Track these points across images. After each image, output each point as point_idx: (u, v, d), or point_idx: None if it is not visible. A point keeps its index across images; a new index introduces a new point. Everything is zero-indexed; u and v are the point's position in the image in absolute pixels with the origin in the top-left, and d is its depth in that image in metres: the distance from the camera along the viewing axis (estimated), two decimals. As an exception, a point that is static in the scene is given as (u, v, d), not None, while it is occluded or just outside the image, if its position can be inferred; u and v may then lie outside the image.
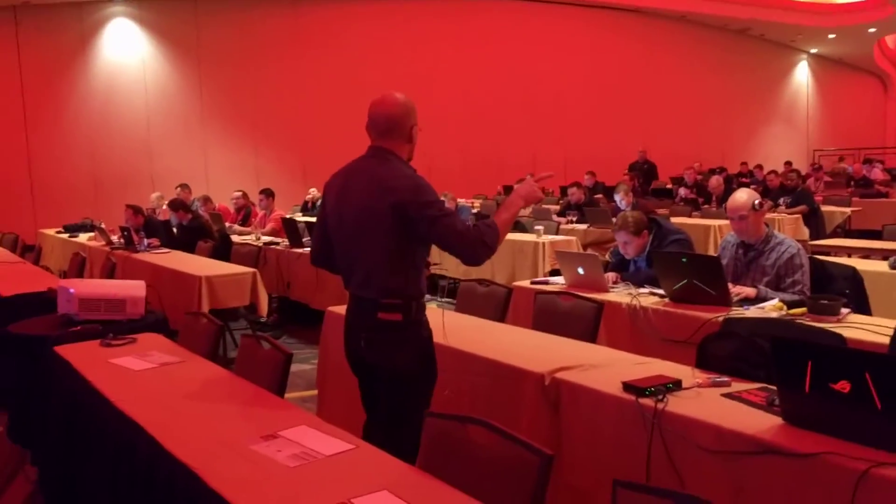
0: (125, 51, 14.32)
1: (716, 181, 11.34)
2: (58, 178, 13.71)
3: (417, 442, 2.34)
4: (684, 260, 4.12)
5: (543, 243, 7.43)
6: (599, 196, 11.77)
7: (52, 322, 4.14)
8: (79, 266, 7.19)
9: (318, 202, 12.01)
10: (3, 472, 4.14)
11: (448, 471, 2.07)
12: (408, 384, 2.81)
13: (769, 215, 9.38)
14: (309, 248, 6.91)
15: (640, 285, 4.51)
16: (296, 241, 7.48)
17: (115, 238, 8.27)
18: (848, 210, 10.79)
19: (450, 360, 3.38)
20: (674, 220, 8.70)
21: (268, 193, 9.38)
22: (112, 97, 14.22)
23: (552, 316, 4.02)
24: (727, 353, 2.89)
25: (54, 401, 3.47)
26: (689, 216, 10.00)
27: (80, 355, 3.41)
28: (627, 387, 2.66)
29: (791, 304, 3.79)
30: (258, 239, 8.30)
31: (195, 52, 14.79)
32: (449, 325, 3.85)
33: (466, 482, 1.98)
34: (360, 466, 2.16)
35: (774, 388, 2.45)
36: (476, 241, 2.71)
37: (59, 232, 10.18)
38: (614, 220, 5.25)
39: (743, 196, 4.22)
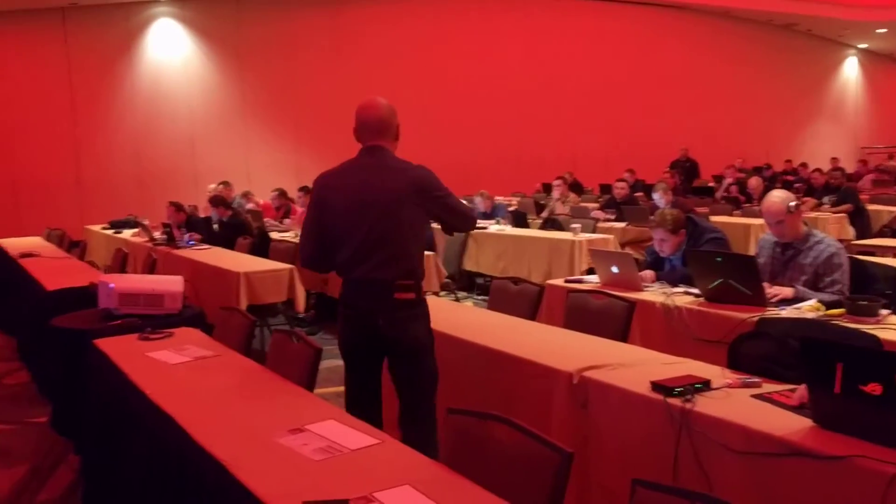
0: (169, 50, 14.57)
1: (755, 182, 11.17)
2: (104, 175, 14.00)
3: (434, 407, 3.03)
4: (719, 259, 4.07)
5: (580, 241, 7.38)
6: (639, 194, 11.65)
7: (93, 316, 4.23)
8: (121, 261, 7.34)
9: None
10: (46, 461, 4.26)
11: (469, 466, 2.08)
12: (423, 353, 3.18)
13: (812, 214, 9.22)
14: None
15: (675, 284, 4.46)
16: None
17: (157, 234, 8.42)
18: (896, 209, 10.54)
19: (479, 358, 3.40)
20: (714, 218, 8.60)
21: (306, 191, 9.47)
22: (156, 96, 14.48)
23: (583, 314, 4.01)
24: (759, 353, 2.86)
25: (94, 393, 3.56)
26: (730, 215, 9.86)
27: (119, 349, 3.50)
28: (656, 386, 2.65)
29: (829, 305, 3.73)
30: (296, 235, 8.38)
31: (237, 50, 14.98)
32: (480, 323, 3.87)
33: (487, 478, 1.99)
34: (383, 461, 2.18)
35: (804, 387, 2.41)
36: (471, 215, 3.36)
37: (104, 228, 10.40)
38: (653, 218, 5.21)
39: (777, 201, 4.13)
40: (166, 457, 2.57)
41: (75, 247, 8.83)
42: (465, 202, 3.25)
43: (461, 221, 3.27)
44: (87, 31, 13.84)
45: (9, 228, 10.81)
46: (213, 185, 11.17)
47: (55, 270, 6.13)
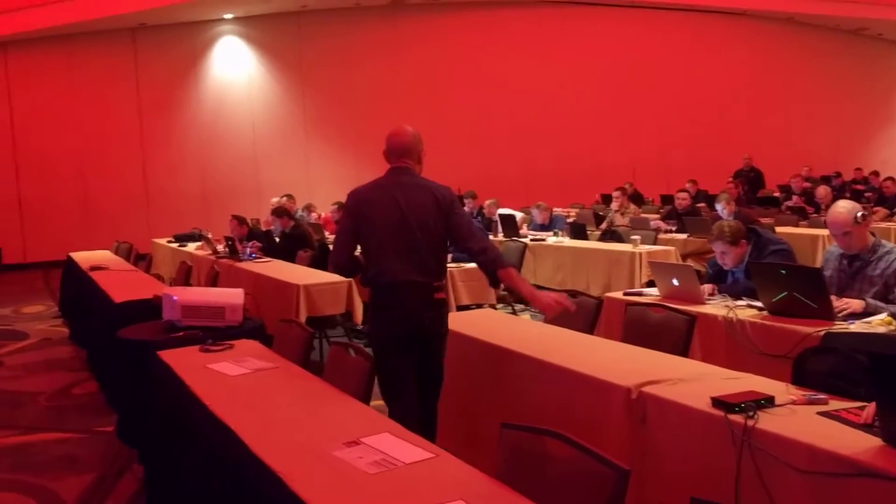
0: (233, 67, 14.93)
1: (823, 191, 10.87)
2: (169, 189, 14.39)
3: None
4: (783, 271, 3.96)
5: (640, 254, 7.28)
6: (701, 205, 11.44)
7: (157, 328, 4.34)
8: (185, 274, 7.51)
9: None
10: (112, 469, 4.36)
11: (524, 482, 2.05)
12: (444, 347, 3.66)
13: (883, 225, 8.93)
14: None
15: (738, 297, 4.36)
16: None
17: (220, 247, 8.59)
18: (974, 219, 10.11)
19: (535, 372, 3.36)
20: (779, 229, 8.40)
21: (341, 206, 9.57)
22: (221, 111, 14.84)
23: (643, 328, 3.94)
24: (825, 369, 2.77)
25: (157, 403, 3.64)
26: (796, 225, 9.61)
27: (181, 360, 3.57)
28: (717, 402, 2.58)
29: (901, 319, 3.58)
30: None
31: (298, 66, 15.27)
32: (536, 336, 3.84)
33: (542, 494, 1.97)
34: (438, 475, 2.17)
35: (873, 404, 2.32)
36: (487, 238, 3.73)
37: (169, 241, 10.66)
38: (710, 236, 5.10)
39: (843, 212, 4.00)
40: (225, 467, 2.61)
41: (142, 259, 9.07)
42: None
43: (480, 237, 3.64)
44: (155, 51, 14.29)
45: (80, 242, 11.20)
46: (276, 199, 11.35)
47: (122, 283, 6.31)
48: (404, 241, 3.48)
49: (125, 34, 14.04)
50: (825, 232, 8.41)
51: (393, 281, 3.50)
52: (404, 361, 3.53)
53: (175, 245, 10.28)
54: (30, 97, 13.64)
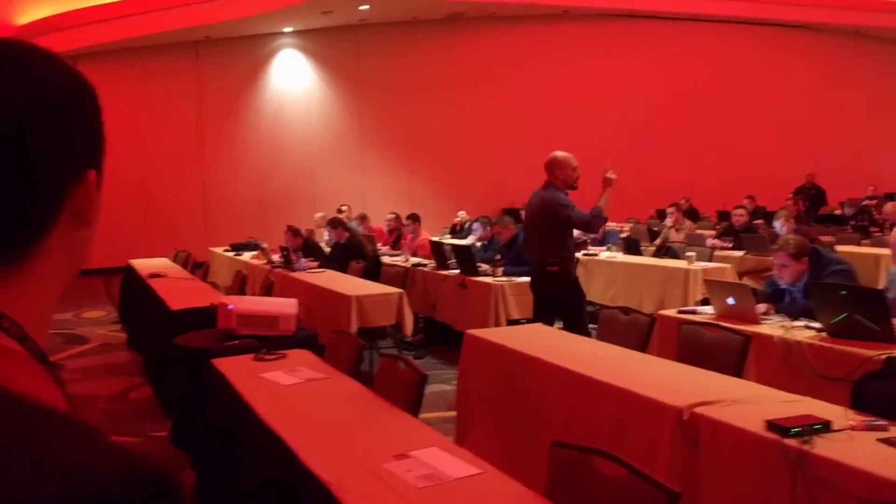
0: (291, 80, 15.18)
1: (892, 207, 10.55)
2: (228, 198, 14.67)
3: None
4: (844, 292, 3.86)
5: (695, 271, 7.16)
6: (759, 222, 11.20)
7: (212, 336, 4.41)
8: (241, 283, 7.63)
9: (467, 224, 12.24)
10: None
11: (572, 501, 2.04)
12: (568, 303, 5.33)
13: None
14: (455, 271, 7.90)
15: (795, 317, 4.26)
16: (442, 264, 7.60)
17: (275, 257, 8.71)
18: None
19: (585, 389, 3.34)
20: (841, 248, 8.17)
21: (414, 218, 9.63)
22: (279, 123, 15.09)
23: (696, 347, 3.88)
24: (887, 393, 2.69)
25: (211, 411, 3.71)
26: (858, 244, 9.35)
27: (235, 369, 3.63)
28: (772, 425, 2.53)
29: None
30: (407, 260, 8.51)
31: (355, 79, 15.45)
32: (587, 353, 3.81)
33: (590, 515, 1.95)
34: (484, 491, 2.17)
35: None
36: (589, 222, 5.43)
37: (226, 250, 10.84)
38: (774, 245, 5.06)
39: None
40: (275, 476, 2.65)
41: (199, 268, 9.24)
42: (583, 213, 5.32)
43: (583, 226, 5.59)
44: (217, 63, 14.62)
45: (141, 249, 11.47)
46: (319, 214, 11.51)
47: (180, 291, 6.43)
48: (532, 233, 5.53)
49: (189, 47, 14.39)
50: (888, 252, 8.17)
51: (531, 258, 5.59)
52: (542, 312, 5.33)
53: (231, 254, 10.46)
54: (97, 108, 14.03)
